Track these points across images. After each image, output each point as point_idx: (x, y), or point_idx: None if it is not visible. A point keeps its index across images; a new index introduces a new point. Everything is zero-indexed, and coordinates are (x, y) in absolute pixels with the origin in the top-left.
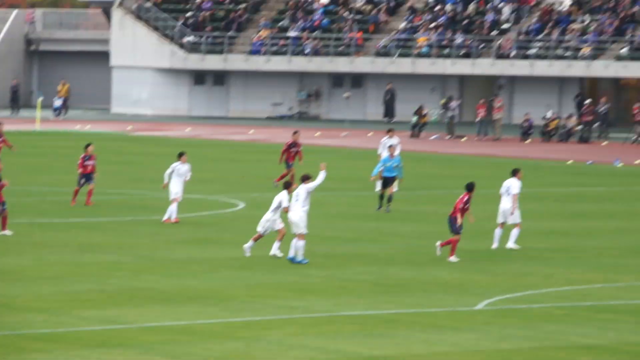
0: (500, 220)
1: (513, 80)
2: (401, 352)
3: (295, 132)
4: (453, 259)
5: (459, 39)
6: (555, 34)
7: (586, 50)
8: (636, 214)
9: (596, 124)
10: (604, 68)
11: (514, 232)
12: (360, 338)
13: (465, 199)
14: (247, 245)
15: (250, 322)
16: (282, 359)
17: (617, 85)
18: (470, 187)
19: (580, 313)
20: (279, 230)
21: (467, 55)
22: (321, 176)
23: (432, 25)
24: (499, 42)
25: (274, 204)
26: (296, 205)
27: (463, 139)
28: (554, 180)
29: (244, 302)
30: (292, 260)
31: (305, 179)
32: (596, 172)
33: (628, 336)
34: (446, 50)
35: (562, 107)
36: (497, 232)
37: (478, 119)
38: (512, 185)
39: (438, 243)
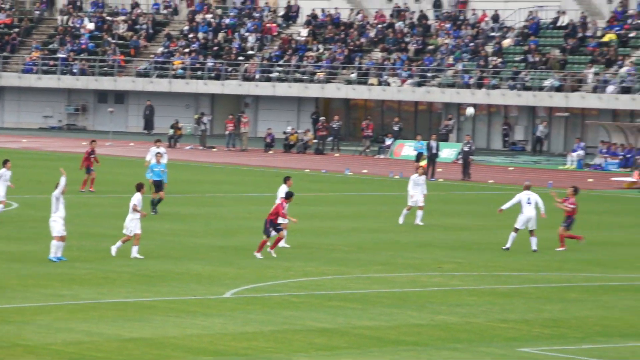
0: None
1: (258, 99)
2: (158, 335)
3: (92, 141)
4: (259, 255)
5: (210, 62)
6: (294, 60)
7: (320, 74)
8: (363, 215)
9: (330, 138)
10: (336, 90)
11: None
12: (121, 322)
13: (286, 205)
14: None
15: (21, 308)
16: (51, 340)
17: (348, 104)
18: (288, 195)
19: (314, 301)
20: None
21: (217, 77)
22: (62, 181)
23: (187, 50)
24: (245, 66)
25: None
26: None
27: (214, 150)
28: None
29: (16, 291)
30: (56, 259)
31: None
32: (330, 180)
33: (355, 321)
34: (199, 72)
35: (300, 123)
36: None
37: (227, 132)
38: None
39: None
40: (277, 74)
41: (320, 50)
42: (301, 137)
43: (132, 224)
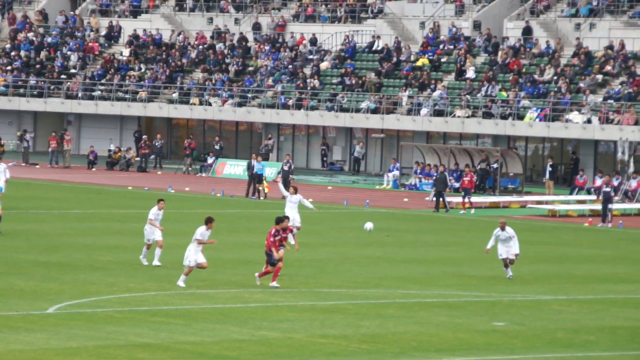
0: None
1: (80, 116)
2: None
3: None
4: (275, 284)
5: (32, 80)
6: (116, 79)
7: (143, 93)
8: (184, 232)
9: (152, 156)
10: (159, 109)
11: None
12: None
13: (273, 232)
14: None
15: None
16: None
17: (170, 123)
18: (278, 221)
19: (138, 316)
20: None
21: (40, 95)
22: None
23: (9, 68)
24: (68, 84)
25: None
26: None
27: (37, 167)
28: (117, 203)
29: None
30: None
31: None
32: (152, 197)
33: (178, 336)
34: (21, 90)
35: (123, 141)
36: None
37: (50, 149)
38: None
39: (257, 274)
40: (99, 92)
41: (143, 70)
42: (124, 155)
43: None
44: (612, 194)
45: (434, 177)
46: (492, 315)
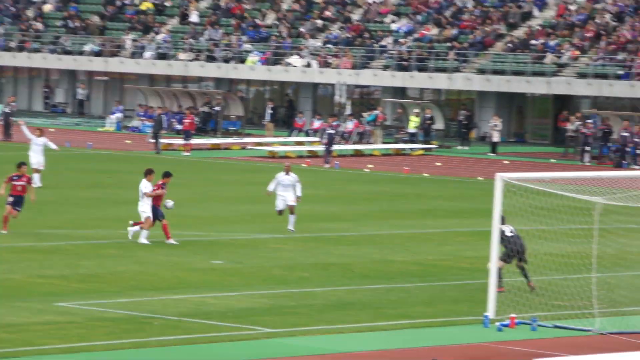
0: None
1: None
2: None
3: None
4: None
5: None
6: None
7: None
8: None
9: None
10: None
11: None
12: None
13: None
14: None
15: None
16: None
17: None
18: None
19: None
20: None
21: None
22: None
23: None
24: None
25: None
26: None
27: None
28: None
29: None
30: None
31: None
32: None
33: None
34: None
35: None
36: None
37: None
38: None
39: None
40: None
41: None
42: None
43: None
44: (335, 136)
45: (153, 119)
46: (210, 254)
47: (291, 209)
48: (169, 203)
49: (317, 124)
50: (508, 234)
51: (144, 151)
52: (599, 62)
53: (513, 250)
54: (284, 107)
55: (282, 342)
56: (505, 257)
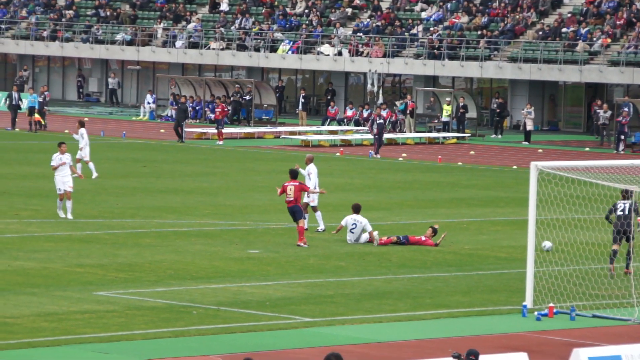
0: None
1: None
2: None
3: None
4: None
5: None
6: None
7: None
8: None
9: None
10: None
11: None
12: None
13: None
14: None
15: None
16: None
17: None
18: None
19: None
20: None
21: None
22: None
23: None
24: None
25: None
26: None
27: None
28: None
29: None
30: None
31: None
32: None
33: None
34: None
35: None
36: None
37: None
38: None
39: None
40: None
41: None
42: None
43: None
44: (384, 125)
45: (176, 108)
46: (247, 244)
47: (314, 208)
48: (547, 245)
49: (349, 112)
50: (619, 212)
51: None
52: (631, 50)
53: (619, 232)
54: (317, 95)
55: (321, 332)
56: (616, 238)
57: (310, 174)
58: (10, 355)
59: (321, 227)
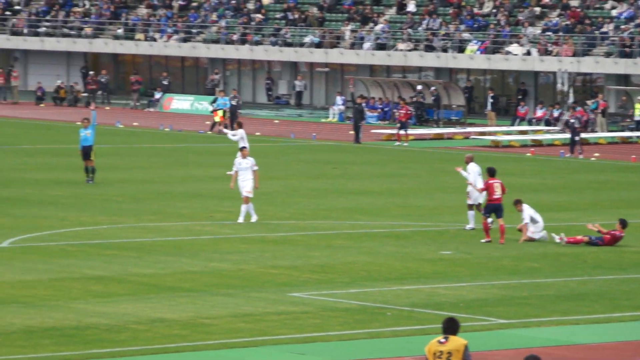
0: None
1: (27, 53)
2: None
3: None
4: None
5: None
6: (61, 15)
7: (88, 30)
8: (135, 166)
9: (99, 92)
10: (104, 45)
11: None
12: None
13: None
14: None
15: None
16: None
17: (116, 59)
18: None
19: (90, 249)
20: None
21: None
22: None
23: None
24: (13, 20)
25: None
26: None
27: None
28: (66, 138)
29: None
30: None
31: None
32: (102, 132)
33: (132, 268)
34: None
35: (70, 77)
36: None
37: None
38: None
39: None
40: (45, 28)
41: (87, 6)
42: (70, 90)
43: None
44: (578, 125)
45: (353, 108)
46: (439, 245)
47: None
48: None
49: (539, 112)
50: None
51: (368, 142)
52: None
53: None
54: (506, 95)
55: (517, 333)
56: None
57: (470, 174)
58: (208, 355)
59: (471, 225)
